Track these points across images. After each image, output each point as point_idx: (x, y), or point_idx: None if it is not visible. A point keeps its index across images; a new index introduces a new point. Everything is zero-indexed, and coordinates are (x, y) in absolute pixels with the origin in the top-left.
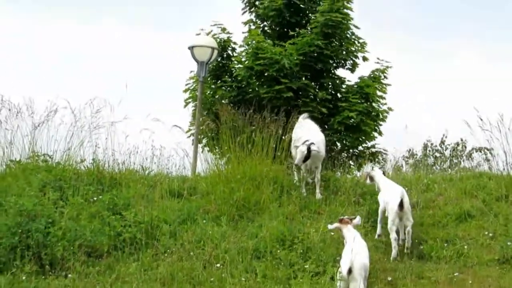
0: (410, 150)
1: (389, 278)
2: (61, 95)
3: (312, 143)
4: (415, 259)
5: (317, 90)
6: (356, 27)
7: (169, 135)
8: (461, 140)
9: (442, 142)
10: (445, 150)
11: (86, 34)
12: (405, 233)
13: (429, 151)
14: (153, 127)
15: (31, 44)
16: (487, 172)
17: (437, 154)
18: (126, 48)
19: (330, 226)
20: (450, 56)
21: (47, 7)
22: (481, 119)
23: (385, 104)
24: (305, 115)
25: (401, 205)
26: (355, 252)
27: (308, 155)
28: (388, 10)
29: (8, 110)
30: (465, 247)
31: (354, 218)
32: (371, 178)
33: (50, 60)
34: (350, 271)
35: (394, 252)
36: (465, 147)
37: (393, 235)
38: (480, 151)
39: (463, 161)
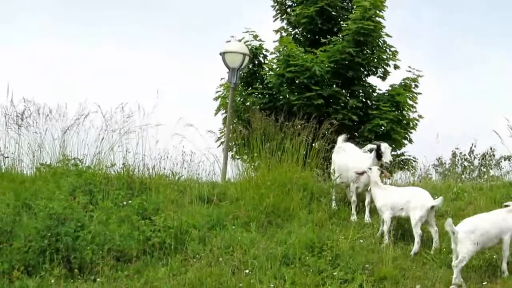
0: (439, 158)
1: (418, 286)
2: (91, 99)
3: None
4: (444, 267)
5: (347, 98)
6: (388, 35)
7: (200, 141)
8: (490, 149)
9: (471, 151)
10: (474, 159)
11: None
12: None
13: (458, 159)
14: (184, 132)
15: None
16: None
17: (466, 163)
18: (159, 54)
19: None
20: (483, 62)
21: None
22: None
23: (416, 112)
24: (344, 137)
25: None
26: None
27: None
28: (420, 19)
29: (37, 113)
30: (494, 256)
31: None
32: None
33: (82, 64)
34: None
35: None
36: (494, 155)
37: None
38: (509, 160)
39: (491, 169)
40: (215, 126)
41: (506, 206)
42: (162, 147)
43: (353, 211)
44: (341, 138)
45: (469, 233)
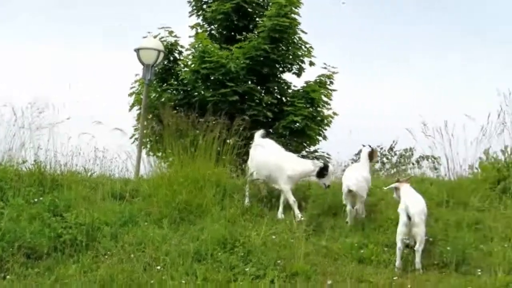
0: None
1: (329, 282)
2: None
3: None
4: (355, 262)
5: (263, 94)
6: (303, 32)
7: (111, 138)
8: (410, 148)
9: (391, 148)
10: (393, 156)
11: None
12: None
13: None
14: (94, 130)
15: None
16: (429, 177)
17: (385, 160)
18: (71, 49)
19: (389, 186)
20: (401, 60)
21: None
22: (425, 125)
23: (330, 109)
24: (261, 133)
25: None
26: (412, 200)
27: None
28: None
29: None
30: (405, 251)
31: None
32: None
33: None
34: (409, 217)
35: None
36: (412, 154)
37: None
38: (428, 159)
39: (410, 168)
40: (130, 122)
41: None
42: (74, 143)
43: (296, 212)
44: (258, 134)
45: (421, 214)
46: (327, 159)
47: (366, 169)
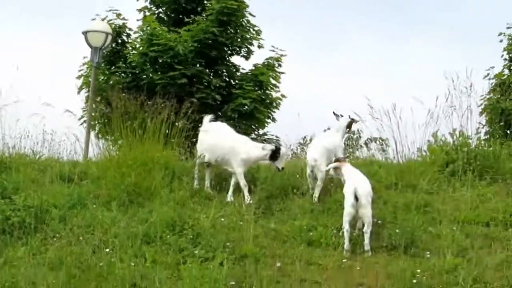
0: (305, 137)
1: (278, 264)
2: None
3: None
4: (304, 245)
5: (211, 77)
6: (252, 15)
7: (60, 120)
8: (357, 130)
9: None
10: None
11: None
12: None
13: None
14: (44, 111)
15: None
16: (378, 160)
17: None
18: (19, 33)
19: (330, 165)
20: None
21: None
22: (372, 108)
23: (279, 91)
24: (210, 117)
25: None
26: (358, 181)
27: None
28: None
29: None
30: (354, 234)
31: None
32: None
33: None
34: (356, 198)
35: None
36: (360, 136)
37: None
38: (376, 141)
39: (358, 150)
40: (78, 105)
41: None
42: (23, 126)
43: (246, 195)
44: (207, 118)
45: (368, 196)
46: (278, 141)
47: (339, 137)
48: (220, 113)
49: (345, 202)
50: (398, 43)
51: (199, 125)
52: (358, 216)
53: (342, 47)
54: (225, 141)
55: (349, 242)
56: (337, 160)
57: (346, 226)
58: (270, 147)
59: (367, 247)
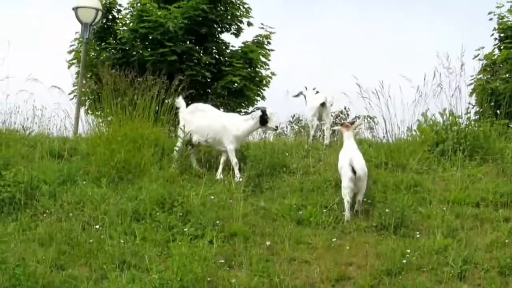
0: (294, 115)
1: (268, 243)
2: None
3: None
4: (294, 223)
5: (201, 55)
6: None
7: (49, 96)
8: (345, 108)
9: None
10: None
11: None
12: None
13: None
14: (32, 87)
15: None
16: (367, 139)
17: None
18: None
19: (335, 127)
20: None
21: None
22: (360, 86)
23: (269, 69)
24: (181, 97)
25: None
26: (357, 157)
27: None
28: None
29: None
30: (343, 212)
31: (354, 122)
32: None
33: None
34: (354, 171)
35: None
36: (348, 115)
37: None
38: (364, 119)
39: None
40: (68, 80)
41: None
42: (13, 101)
43: (236, 172)
44: (181, 98)
45: (365, 168)
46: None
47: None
48: (209, 90)
49: (343, 176)
50: (386, 19)
51: (189, 102)
52: (357, 188)
53: (330, 21)
54: (216, 121)
55: (349, 212)
56: (341, 124)
57: (347, 197)
58: (257, 113)
59: (358, 208)
